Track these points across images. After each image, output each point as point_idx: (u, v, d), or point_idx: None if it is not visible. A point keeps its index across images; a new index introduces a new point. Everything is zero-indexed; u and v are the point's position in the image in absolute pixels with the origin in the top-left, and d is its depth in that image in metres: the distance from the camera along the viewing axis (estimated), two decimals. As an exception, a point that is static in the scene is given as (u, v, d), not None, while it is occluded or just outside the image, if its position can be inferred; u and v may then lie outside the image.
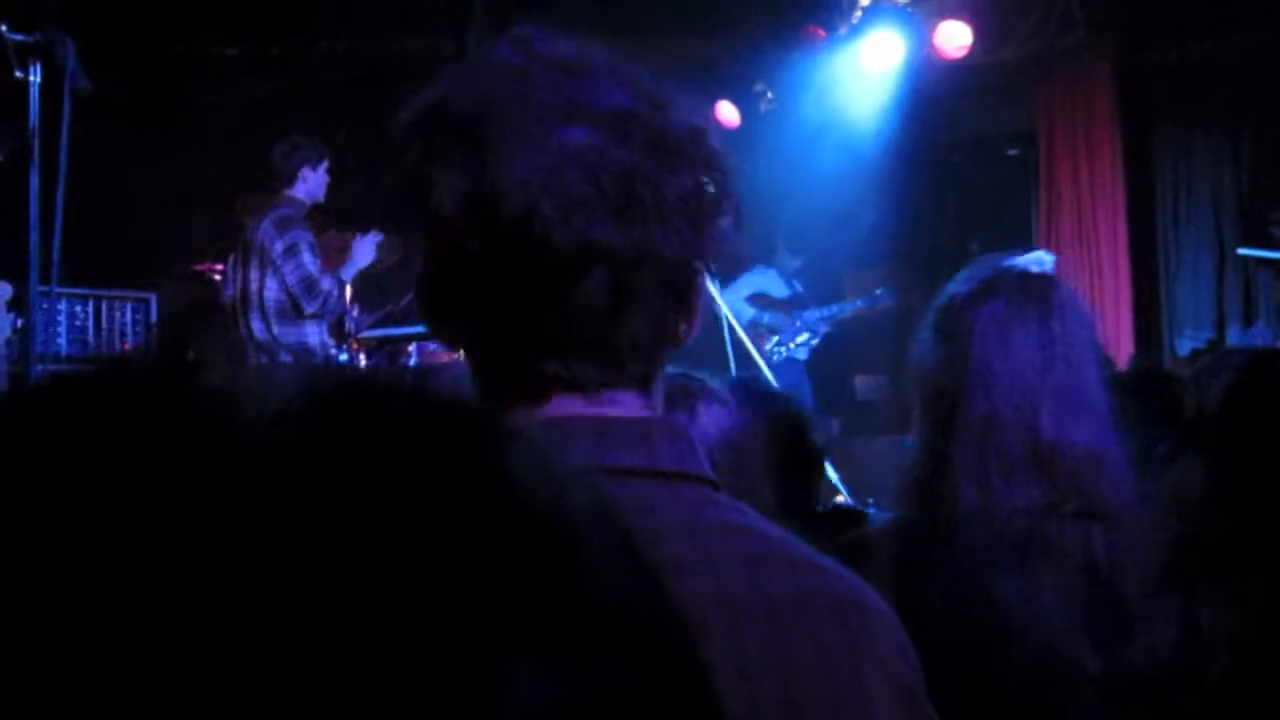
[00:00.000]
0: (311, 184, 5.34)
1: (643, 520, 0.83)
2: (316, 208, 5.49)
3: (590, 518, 0.38)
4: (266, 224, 5.20)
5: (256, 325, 5.24)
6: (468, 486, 0.34)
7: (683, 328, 0.96)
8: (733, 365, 4.06)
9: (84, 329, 5.81)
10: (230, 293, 5.35)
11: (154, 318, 5.99)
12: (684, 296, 0.94)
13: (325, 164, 5.37)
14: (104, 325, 5.87)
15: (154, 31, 6.62)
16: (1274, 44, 6.15)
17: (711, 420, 1.75)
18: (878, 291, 6.97)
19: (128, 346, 5.88)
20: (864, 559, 1.51)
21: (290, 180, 5.29)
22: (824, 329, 7.20)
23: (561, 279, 0.87)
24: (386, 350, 6.11)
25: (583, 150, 0.86)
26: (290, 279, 5.13)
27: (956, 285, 1.65)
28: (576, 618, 0.34)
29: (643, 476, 0.89)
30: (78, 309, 5.76)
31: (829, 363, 7.26)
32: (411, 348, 6.61)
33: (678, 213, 0.89)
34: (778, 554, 0.90)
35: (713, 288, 4.12)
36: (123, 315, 5.89)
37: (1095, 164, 7.05)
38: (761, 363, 4.20)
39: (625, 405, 0.94)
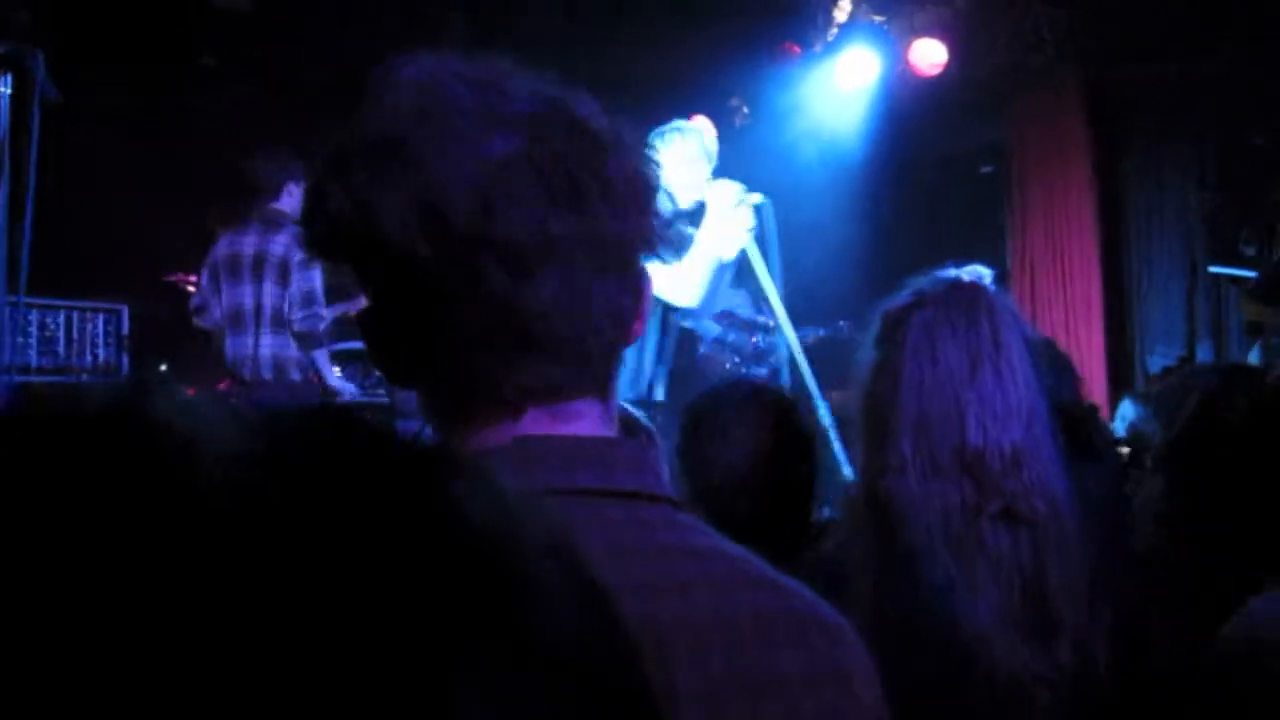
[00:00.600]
0: (297, 198, 5.25)
1: (601, 541, 0.84)
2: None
3: (542, 553, 0.38)
4: (286, 238, 5.09)
5: (269, 340, 5.16)
6: (418, 527, 0.34)
7: (635, 321, 0.96)
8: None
9: (54, 340, 5.76)
10: (227, 308, 5.20)
11: (125, 329, 5.95)
12: (637, 283, 0.94)
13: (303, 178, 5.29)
14: (75, 336, 5.82)
15: (127, 41, 6.59)
16: (1241, 64, 6.22)
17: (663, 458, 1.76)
18: (840, 323, 6.99)
19: (99, 358, 5.83)
20: (842, 579, 1.52)
21: (276, 193, 5.22)
22: (784, 352, 7.23)
23: (517, 279, 0.87)
24: (359, 365, 6.09)
25: (516, 150, 0.87)
26: (296, 287, 5.03)
27: (895, 297, 1.70)
28: (524, 654, 0.34)
29: (604, 497, 0.89)
30: (49, 320, 5.70)
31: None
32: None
33: (617, 193, 0.90)
34: (739, 575, 0.90)
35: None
36: (94, 326, 5.84)
37: (1066, 182, 7.11)
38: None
39: (589, 419, 0.94)
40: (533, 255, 0.86)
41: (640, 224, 0.92)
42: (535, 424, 0.92)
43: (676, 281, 3.97)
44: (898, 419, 1.59)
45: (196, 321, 5.34)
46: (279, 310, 5.08)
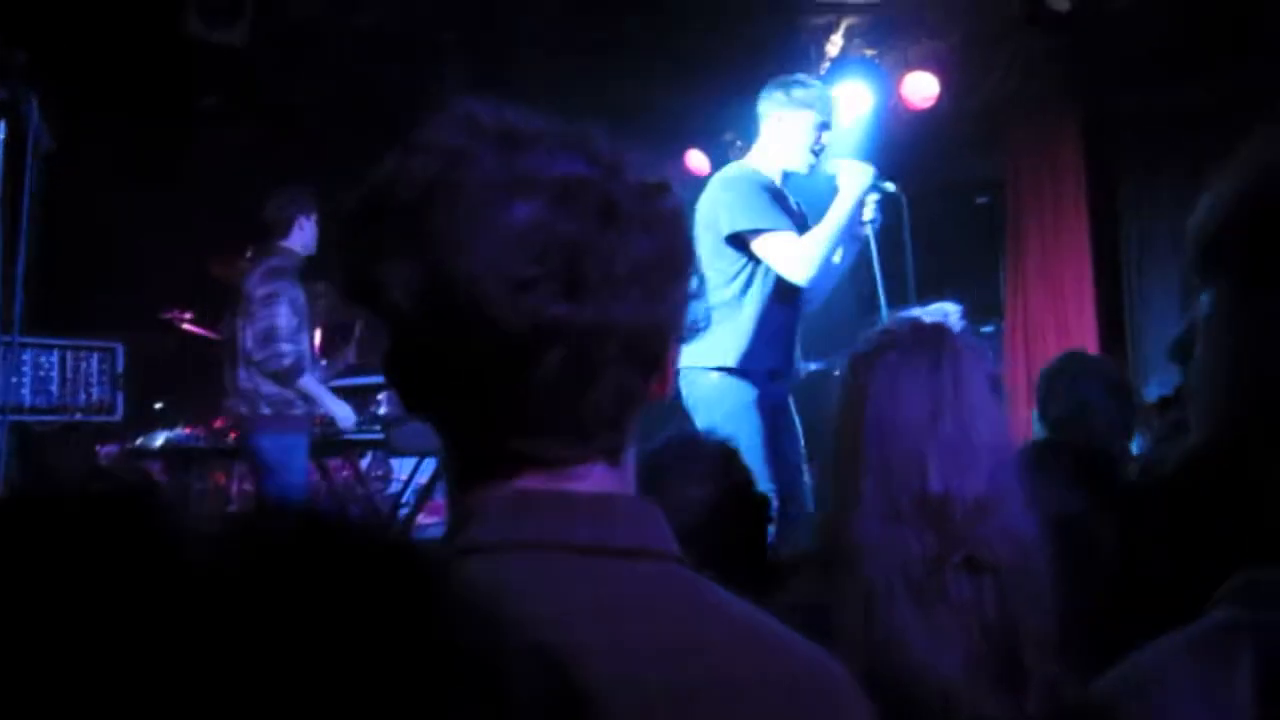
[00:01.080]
0: (307, 234, 5.29)
1: (598, 598, 0.83)
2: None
3: (516, 661, 0.38)
4: (257, 274, 5.16)
5: (240, 374, 5.19)
6: (395, 635, 0.34)
7: (653, 390, 0.95)
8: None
9: (48, 379, 5.75)
10: (225, 343, 5.33)
11: (120, 367, 5.94)
12: (650, 364, 0.93)
13: (315, 215, 5.33)
14: (69, 375, 5.81)
15: (121, 78, 6.61)
16: (1234, 94, 6.25)
17: None
18: (835, 356, 6.96)
19: (94, 396, 5.82)
20: (829, 617, 1.51)
21: (286, 231, 5.25)
22: None
23: (517, 360, 0.86)
24: (355, 401, 6.08)
25: (529, 227, 0.85)
26: (256, 324, 5.07)
27: (863, 343, 1.70)
28: None
29: (602, 554, 0.88)
30: (42, 359, 5.69)
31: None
32: (381, 396, 6.60)
33: (631, 282, 0.87)
34: (739, 635, 0.88)
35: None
36: (88, 365, 5.83)
37: (1061, 212, 7.14)
38: None
39: (590, 479, 0.92)
40: (533, 340, 0.85)
41: (654, 310, 0.90)
42: (535, 479, 0.91)
43: (793, 255, 3.79)
44: (861, 464, 1.58)
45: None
46: (245, 346, 5.14)
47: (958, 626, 1.49)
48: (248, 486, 7.05)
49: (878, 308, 4.11)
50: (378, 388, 6.21)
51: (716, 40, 6.75)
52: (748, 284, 3.85)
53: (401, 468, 6.83)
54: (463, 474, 0.94)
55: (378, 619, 0.35)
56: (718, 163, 7.42)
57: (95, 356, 5.83)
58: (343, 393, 6.12)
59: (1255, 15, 5.22)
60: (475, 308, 0.84)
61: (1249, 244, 0.82)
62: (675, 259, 0.93)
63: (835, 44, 6.55)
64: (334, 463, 6.20)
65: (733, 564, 2.12)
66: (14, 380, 5.17)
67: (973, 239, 7.61)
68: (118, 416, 5.96)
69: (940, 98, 6.46)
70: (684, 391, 3.91)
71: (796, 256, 3.77)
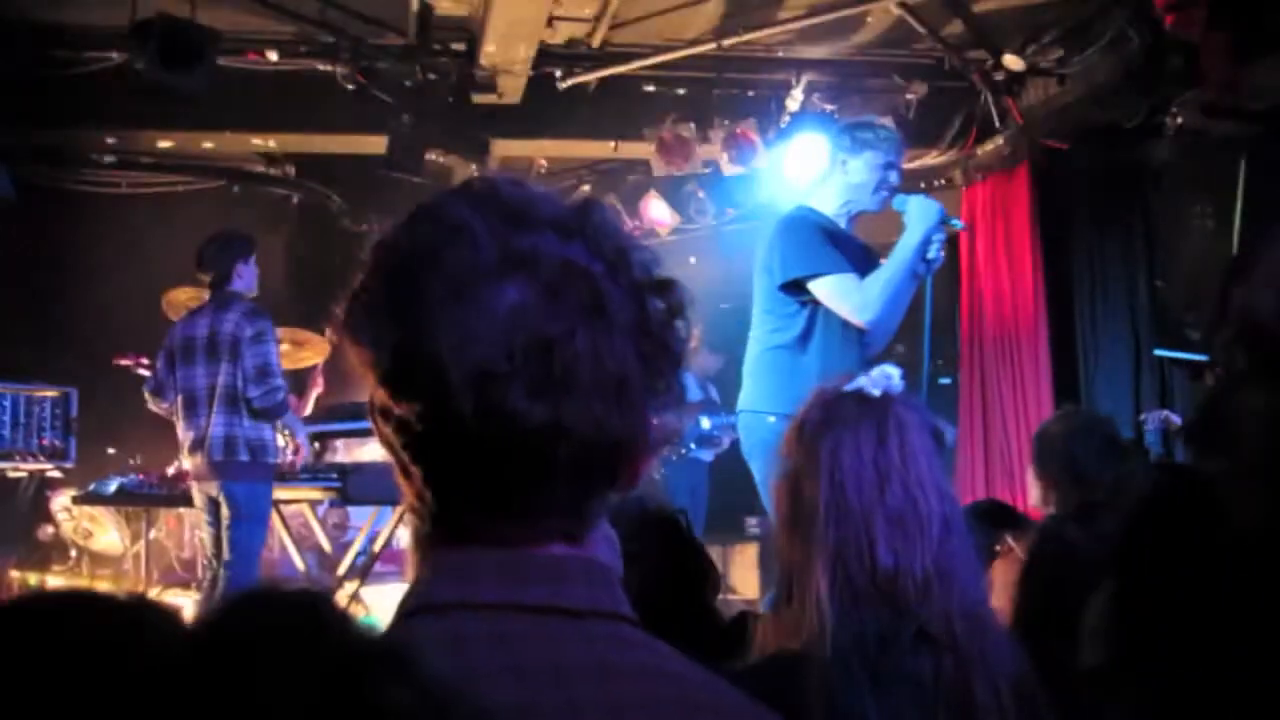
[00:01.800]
0: (247, 278, 5.30)
1: (547, 659, 0.83)
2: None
3: None
4: (235, 316, 5.12)
5: (220, 420, 5.12)
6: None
7: (620, 485, 0.94)
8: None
9: (1, 423, 5.68)
10: (181, 391, 5.21)
11: (74, 412, 5.88)
12: (614, 472, 0.92)
13: (254, 256, 5.33)
14: (23, 420, 5.75)
15: (80, 124, 6.60)
16: (1185, 151, 6.38)
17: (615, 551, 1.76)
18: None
19: (45, 441, 5.75)
20: (791, 684, 1.51)
21: (227, 276, 5.24)
22: (729, 434, 7.27)
23: (472, 444, 0.86)
24: (312, 447, 6.04)
25: (509, 315, 0.85)
26: (249, 362, 5.04)
27: (802, 414, 1.68)
28: None
29: (553, 614, 0.88)
30: (-4, 403, 5.64)
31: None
32: (338, 444, 6.57)
33: (599, 390, 0.87)
34: (689, 698, 0.88)
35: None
36: (42, 410, 5.77)
37: (1016, 267, 7.24)
38: None
39: (550, 551, 0.92)
40: (488, 430, 0.85)
41: (622, 420, 0.89)
42: (491, 547, 0.91)
43: (855, 296, 3.67)
44: (813, 545, 1.57)
45: (151, 405, 5.33)
46: (231, 389, 5.08)
47: (916, 707, 1.49)
48: (200, 534, 6.97)
49: (921, 346, 4.03)
50: (336, 434, 6.18)
51: (677, 95, 6.85)
52: (807, 328, 3.76)
53: (358, 516, 6.78)
54: (424, 532, 0.94)
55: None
56: (682, 213, 7.52)
57: (49, 402, 5.78)
58: (312, 439, 6.10)
59: (1205, 73, 5.34)
60: (436, 387, 0.85)
61: None
62: (657, 368, 0.91)
63: (795, 99, 6.65)
64: (289, 510, 6.14)
65: (666, 625, 2.13)
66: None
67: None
68: (70, 462, 5.89)
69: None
70: (741, 436, 3.87)
71: (859, 298, 3.68)
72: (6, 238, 2.66)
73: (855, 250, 3.85)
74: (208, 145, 7.35)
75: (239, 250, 5.29)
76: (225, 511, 5.08)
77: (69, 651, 0.36)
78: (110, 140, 7.04)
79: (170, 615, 0.39)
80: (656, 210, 7.59)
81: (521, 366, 0.84)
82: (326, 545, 6.48)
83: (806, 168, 6.53)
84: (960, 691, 1.50)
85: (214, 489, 5.11)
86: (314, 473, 5.74)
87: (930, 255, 3.78)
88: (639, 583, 2.13)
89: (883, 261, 3.78)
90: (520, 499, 0.89)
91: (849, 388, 1.66)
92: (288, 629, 0.38)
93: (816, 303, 3.75)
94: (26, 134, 5.82)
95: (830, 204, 3.89)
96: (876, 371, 1.66)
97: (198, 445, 5.13)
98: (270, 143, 7.38)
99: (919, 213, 3.77)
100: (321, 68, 6.35)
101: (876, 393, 1.64)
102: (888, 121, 4.10)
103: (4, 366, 5.41)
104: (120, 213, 7.41)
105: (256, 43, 6.27)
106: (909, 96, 6.88)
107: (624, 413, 0.88)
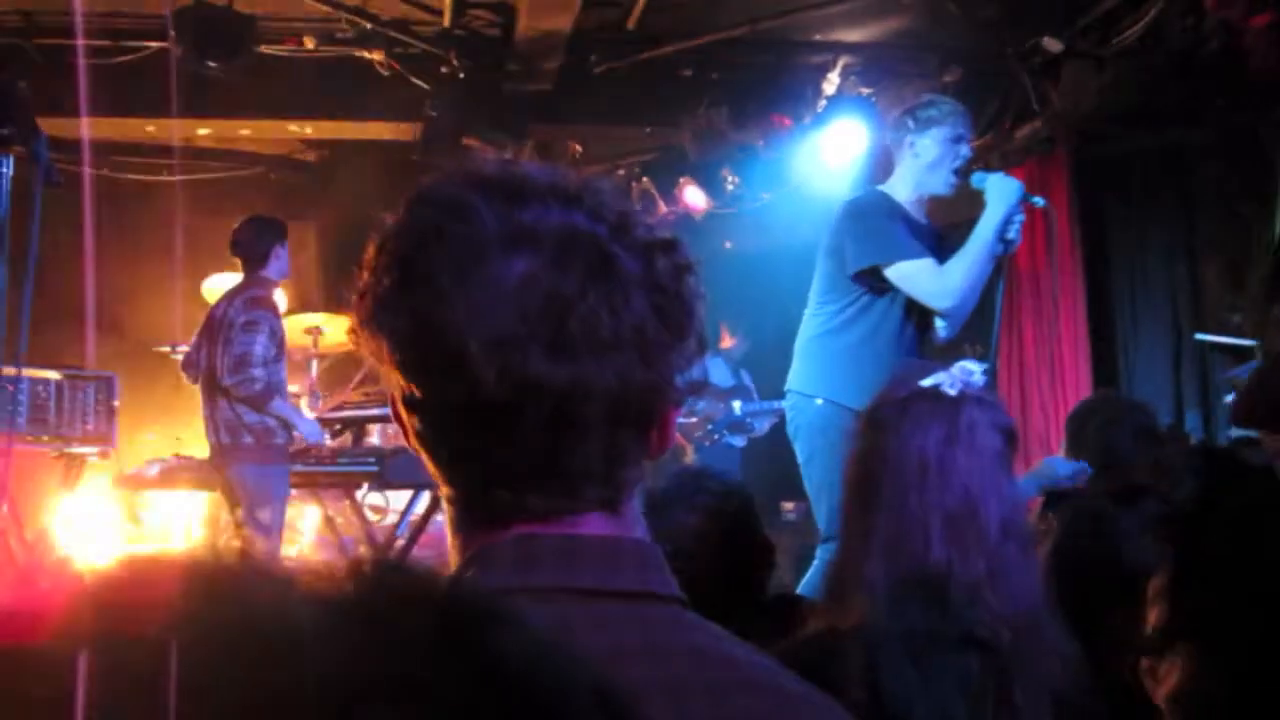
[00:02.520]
0: (282, 261, 5.37)
1: (602, 643, 0.85)
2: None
3: (588, 705, 0.40)
4: (239, 301, 5.21)
5: (221, 404, 5.21)
6: (471, 678, 0.37)
7: (651, 448, 0.94)
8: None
9: (44, 408, 5.74)
10: (203, 370, 5.32)
11: (116, 397, 5.94)
12: (643, 424, 0.92)
13: (286, 241, 5.40)
14: (65, 405, 5.81)
15: (121, 112, 6.65)
16: (1223, 135, 6.32)
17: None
18: None
19: (89, 426, 5.81)
20: (833, 662, 1.52)
21: (264, 260, 5.31)
22: (762, 421, 7.27)
23: (498, 416, 0.86)
24: (352, 430, 6.09)
25: (520, 284, 0.86)
26: (233, 349, 5.10)
27: (879, 400, 1.68)
28: None
29: (606, 598, 0.89)
30: (40, 388, 5.69)
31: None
32: (375, 428, 6.61)
33: (621, 344, 0.87)
34: (743, 680, 0.89)
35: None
36: (85, 395, 5.83)
37: (1053, 252, 7.17)
38: None
39: (587, 526, 0.93)
40: (501, 396, 0.86)
41: (644, 373, 0.89)
42: (531, 524, 0.92)
43: (935, 282, 3.58)
44: (870, 534, 1.58)
45: (185, 376, 5.47)
46: (218, 372, 5.16)
47: (961, 697, 1.49)
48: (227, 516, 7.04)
49: (990, 333, 3.98)
50: (373, 419, 6.21)
51: (713, 79, 6.82)
52: (868, 315, 3.68)
53: (397, 500, 6.82)
54: (458, 517, 0.95)
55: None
56: (715, 199, 7.49)
57: (92, 386, 5.83)
58: (339, 424, 6.14)
59: (1243, 59, 5.27)
60: (456, 362, 0.85)
61: None
62: (674, 321, 0.91)
63: (831, 83, 6.61)
64: (329, 494, 6.19)
65: (722, 597, 2.16)
66: (10, 409, 5.17)
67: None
68: (113, 446, 5.96)
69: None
70: (789, 416, 3.81)
71: (939, 283, 3.59)
72: (49, 225, 2.70)
73: (928, 235, 3.75)
74: (244, 132, 7.40)
75: (271, 235, 5.35)
76: (238, 493, 5.15)
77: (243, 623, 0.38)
78: (149, 128, 7.09)
79: (297, 579, 0.41)
80: (691, 195, 7.58)
81: (538, 329, 0.85)
82: (365, 529, 6.53)
83: (843, 151, 6.53)
84: (1003, 696, 1.49)
85: (226, 470, 5.19)
86: (352, 457, 5.79)
87: (1010, 235, 3.68)
88: (701, 561, 2.17)
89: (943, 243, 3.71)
90: (552, 467, 0.89)
91: (927, 382, 1.64)
92: (412, 590, 0.41)
93: (882, 290, 3.65)
94: (71, 122, 5.87)
95: (903, 190, 3.78)
96: (957, 368, 1.65)
97: (208, 426, 5.27)
98: (307, 129, 7.42)
99: (999, 191, 3.65)
100: (358, 54, 6.37)
101: (953, 392, 1.63)
102: (946, 98, 3.91)
103: (47, 352, 5.47)
104: (161, 199, 7.47)
105: (293, 30, 6.30)
106: (945, 79, 6.82)
107: (646, 365, 0.89)
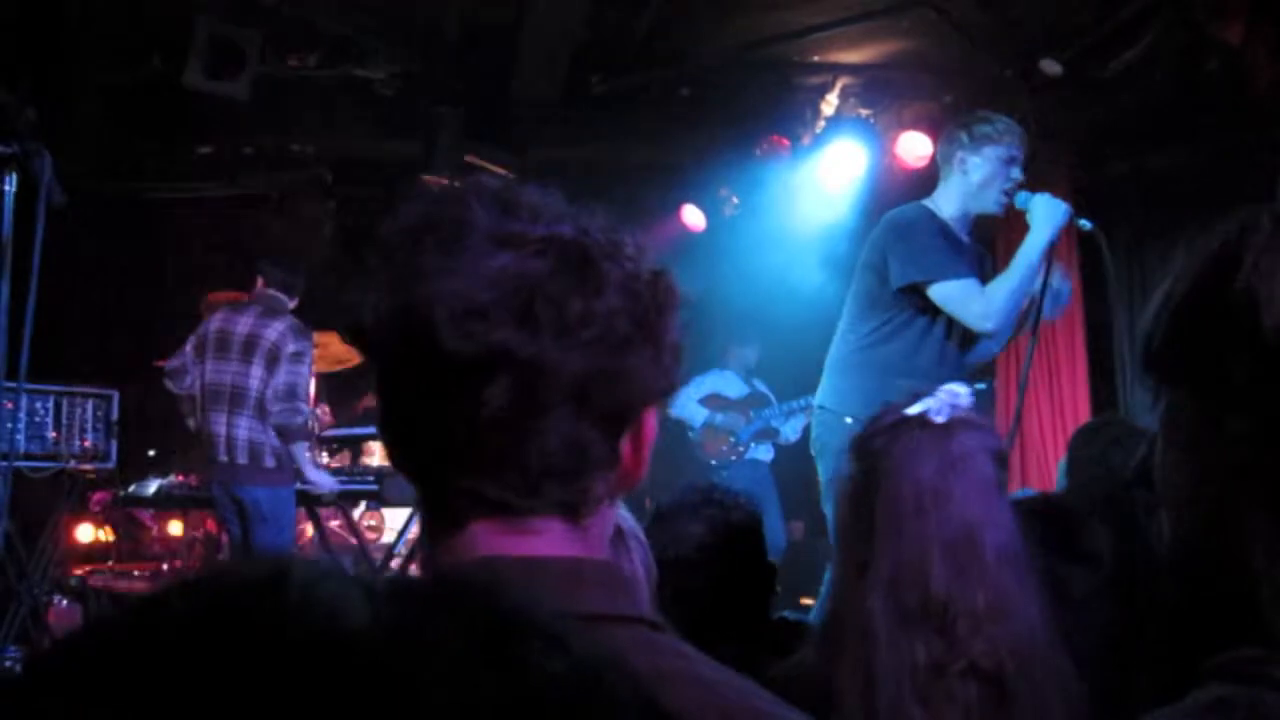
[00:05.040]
0: (294, 298, 5.43)
1: None
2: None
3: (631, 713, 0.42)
4: (282, 326, 5.19)
5: (245, 423, 5.17)
6: (511, 701, 0.38)
7: (624, 463, 0.94)
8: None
9: (43, 425, 5.75)
10: (205, 383, 5.28)
11: (115, 415, 5.94)
12: (608, 423, 0.92)
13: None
14: (65, 421, 5.81)
15: (125, 129, 6.67)
16: (1224, 156, 6.33)
17: (642, 559, 1.76)
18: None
19: (88, 444, 5.81)
20: (830, 695, 1.50)
21: (290, 293, 5.36)
22: (789, 426, 7.15)
23: (463, 387, 0.87)
24: (349, 450, 6.09)
25: (497, 270, 0.87)
26: (281, 379, 5.10)
27: (868, 430, 1.65)
28: None
29: (578, 620, 0.88)
30: (38, 405, 5.70)
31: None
32: (375, 446, 6.61)
33: (588, 329, 0.88)
34: (717, 703, 0.87)
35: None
36: (84, 412, 5.83)
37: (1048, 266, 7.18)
38: None
39: (550, 536, 0.92)
40: (477, 366, 0.86)
41: (614, 365, 0.90)
42: (493, 539, 0.91)
43: (978, 303, 3.49)
44: (868, 564, 1.55)
45: (168, 383, 5.39)
46: (262, 396, 5.12)
47: None
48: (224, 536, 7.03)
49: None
50: (372, 438, 6.21)
51: (713, 99, 6.84)
52: (906, 333, 3.60)
53: (394, 519, 6.82)
54: (430, 524, 0.96)
55: None
56: (713, 219, 7.50)
57: (90, 403, 5.84)
58: (338, 443, 6.14)
59: (1242, 80, 5.30)
60: (426, 330, 0.86)
61: (1185, 354, 0.84)
62: (649, 325, 0.92)
63: (830, 104, 6.63)
64: (326, 513, 6.19)
65: (722, 613, 2.15)
66: (8, 427, 5.17)
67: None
68: (111, 463, 5.96)
69: (934, 158, 6.53)
70: (814, 433, 3.73)
71: (982, 305, 3.50)
72: (51, 243, 2.72)
73: (970, 254, 3.69)
74: (247, 151, 7.42)
75: (301, 278, 5.41)
76: (249, 514, 5.13)
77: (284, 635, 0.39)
78: (150, 146, 7.11)
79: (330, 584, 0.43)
80: (691, 215, 7.59)
81: (507, 301, 0.86)
82: (363, 547, 6.52)
83: (842, 172, 6.55)
84: None
85: (237, 490, 5.16)
86: (350, 475, 5.79)
87: (1061, 291, 3.63)
88: (702, 574, 2.16)
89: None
90: (514, 454, 0.89)
91: (913, 410, 1.62)
92: (448, 599, 0.42)
93: (923, 308, 3.58)
94: (73, 140, 5.88)
95: (949, 207, 3.70)
96: (944, 392, 1.62)
97: (221, 443, 5.17)
98: (309, 148, 7.43)
99: (1045, 212, 3.56)
100: (360, 72, 6.39)
101: (940, 419, 1.60)
102: (1002, 116, 3.86)
103: (46, 369, 5.47)
104: (163, 218, 7.48)
105: (297, 49, 6.32)
106: (945, 101, 6.85)
107: (613, 355, 0.89)
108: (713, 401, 7.23)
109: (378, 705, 0.36)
